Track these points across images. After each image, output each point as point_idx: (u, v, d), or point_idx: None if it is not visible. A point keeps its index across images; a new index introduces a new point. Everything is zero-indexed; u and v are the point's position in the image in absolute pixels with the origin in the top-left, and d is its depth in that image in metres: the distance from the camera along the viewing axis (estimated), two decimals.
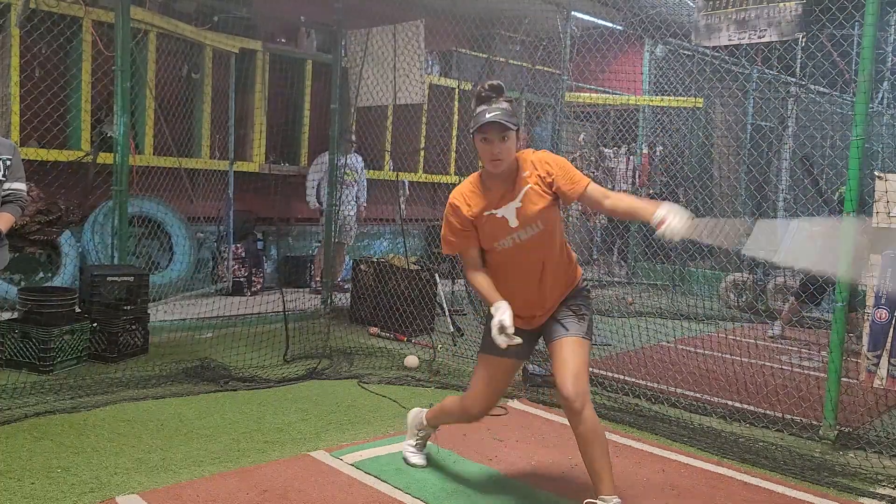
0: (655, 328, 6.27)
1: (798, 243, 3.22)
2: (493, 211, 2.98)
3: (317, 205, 7.89)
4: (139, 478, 3.19)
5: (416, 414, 3.59)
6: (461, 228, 3.03)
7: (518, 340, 2.82)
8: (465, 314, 7.07)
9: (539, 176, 2.97)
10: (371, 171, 8.69)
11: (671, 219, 2.75)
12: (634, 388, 4.88)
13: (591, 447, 2.91)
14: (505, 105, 2.93)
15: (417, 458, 3.54)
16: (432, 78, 9.23)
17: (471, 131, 2.93)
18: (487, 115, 2.88)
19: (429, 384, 4.90)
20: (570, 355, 2.97)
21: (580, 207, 10.05)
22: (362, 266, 6.79)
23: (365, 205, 8.22)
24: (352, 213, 7.80)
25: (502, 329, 2.81)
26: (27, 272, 6.59)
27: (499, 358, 3.05)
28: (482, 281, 3.02)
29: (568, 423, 2.99)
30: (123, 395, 4.28)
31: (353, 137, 7.74)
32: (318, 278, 7.96)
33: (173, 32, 6.95)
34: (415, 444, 3.58)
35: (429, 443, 3.62)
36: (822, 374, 4.67)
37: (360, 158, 8.06)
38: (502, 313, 2.84)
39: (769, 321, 7.24)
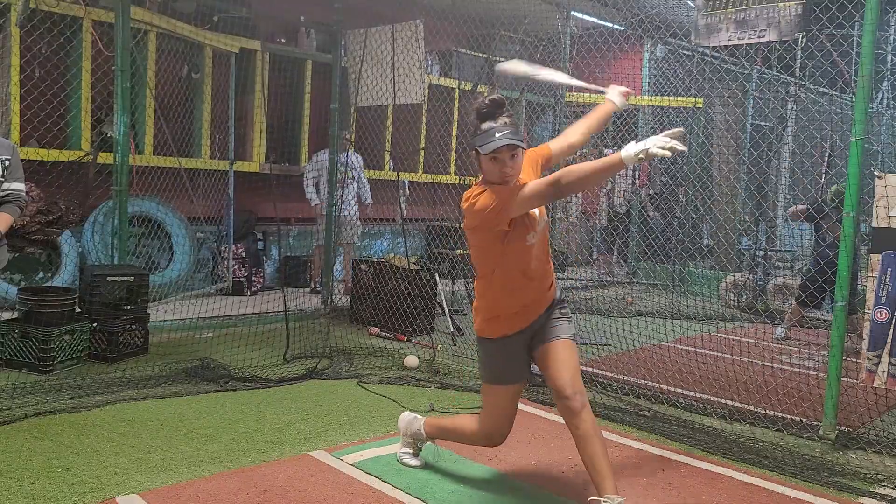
0: (655, 328, 6.27)
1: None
2: None
3: (318, 202, 7.85)
4: (139, 478, 3.19)
5: (410, 422, 3.51)
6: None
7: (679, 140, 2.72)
8: (465, 314, 7.07)
9: (533, 169, 3.07)
10: (371, 171, 8.67)
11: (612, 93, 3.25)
12: (634, 388, 4.88)
13: (591, 446, 2.90)
14: (510, 120, 2.90)
15: (414, 461, 3.52)
16: (432, 78, 9.23)
17: (479, 150, 2.86)
18: (497, 136, 2.81)
19: (429, 384, 4.90)
20: (568, 356, 3.00)
21: (581, 207, 10.05)
22: (362, 266, 6.79)
23: (371, 202, 8.15)
24: (352, 211, 7.76)
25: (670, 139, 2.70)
26: (27, 272, 6.59)
27: (504, 386, 3.09)
28: (580, 166, 2.75)
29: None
30: (123, 395, 4.28)
31: (349, 136, 7.69)
32: (316, 279, 7.94)
33: (173, 32, 6.95)
34: (411, 451, 3.55)
35: (429, 443, 3.62)
36: (822, 374, 4.67)
37: (358, 157, 8.01)
38: (655, 138, 2.74)
39: (769, 321, 7.24)
